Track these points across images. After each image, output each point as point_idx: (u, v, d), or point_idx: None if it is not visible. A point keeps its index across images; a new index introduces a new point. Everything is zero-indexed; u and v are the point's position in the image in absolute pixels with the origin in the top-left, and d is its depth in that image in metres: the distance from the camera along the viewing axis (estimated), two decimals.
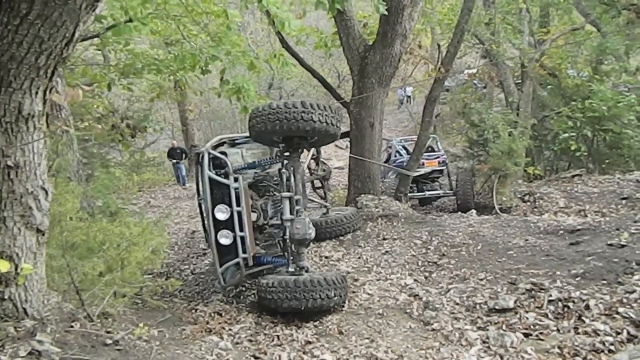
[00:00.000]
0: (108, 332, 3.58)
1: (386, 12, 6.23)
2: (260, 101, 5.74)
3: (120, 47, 6.97)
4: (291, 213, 5.44)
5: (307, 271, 5.36)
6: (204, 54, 5.50)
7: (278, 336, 4.73)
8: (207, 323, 5.23)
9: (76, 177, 5.90)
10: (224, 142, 6.38)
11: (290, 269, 5.39)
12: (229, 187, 5.37)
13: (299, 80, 22.25)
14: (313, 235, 5.41)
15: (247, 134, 6.45)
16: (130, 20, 4.83)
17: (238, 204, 5.34)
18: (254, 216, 5.61)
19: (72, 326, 3.25)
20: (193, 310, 5.71)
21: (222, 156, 5.65)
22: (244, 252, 5.35)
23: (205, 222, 7.36)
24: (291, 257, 5.47)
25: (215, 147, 6.03)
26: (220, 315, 5.49)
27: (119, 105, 12.65)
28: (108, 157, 13.26)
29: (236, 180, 5.38)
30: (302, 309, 4.95)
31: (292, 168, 5.49)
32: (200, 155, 7.13)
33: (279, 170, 5.62)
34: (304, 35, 10.68)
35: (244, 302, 6.07)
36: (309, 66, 10.67)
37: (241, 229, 5.34)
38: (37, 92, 2.66)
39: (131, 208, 10.03)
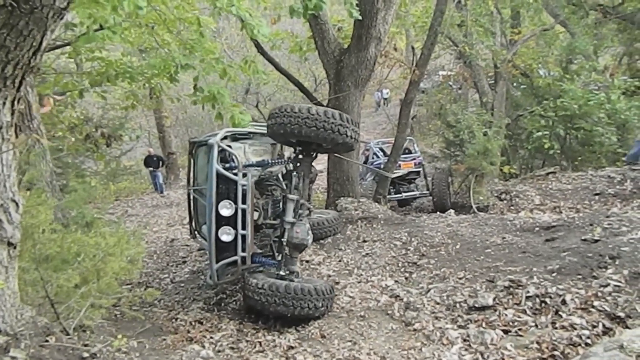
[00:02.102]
0: (85, 345, 3.51)
1: (360, 17, 6.27)
2: (233, 108, 5.66)
3: (93, 56, 6.86)
4: (294, 216, 5.41)
5: (297, 276, 5.33)
6: (175, 61, 5.42)
7: (260, 342, 4.71)
8: (188, 332, 5.17)
9: (50, 187, 5.78)
10: (227, 136, 6.17)
11: (281, 272, 5.34)
12: (236, 184, 5.26)
13: (275, 85, 22.24)
14: (310, 241, 5.40)
15: (249, 129, 6.30)
16: (102, 28, 4.75)
17: (244, 202, 5.23)
18: (255, 215, 5.50)
19: (47, 340, 3.17)
20: (173, 320, 5.64)
21: (233, 152, 5.48)
22: (244, 250, 5.26)
23: (194, 212, 7.22)
24: (283, 260, 5.42)
25: (221, 141, 5.87)
26: (201, 323, 5.44)
27: (93, 113, 12.44)
28: (83, 166, 13.03)
29: (244, 176, 5.28)
30: (289, 315, 4.92)
31: (302, 172, 5.47)
32: (196, 144, 6.99)
33: (290, 171, 5.57)
34: (279, 39, 10.69)
35: (225, 309, 6.02)
36: (285, 71, 10.69)
37: (243, 227, 5.25)
38: (4, 103, 2.59)
39: (108, 218, 9.87)
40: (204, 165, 6.63)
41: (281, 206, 5.96)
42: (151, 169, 17.20)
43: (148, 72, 6.57)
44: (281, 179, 5.84)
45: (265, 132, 6.17)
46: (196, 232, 7.25)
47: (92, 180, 13.18)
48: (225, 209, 5.27)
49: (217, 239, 5.29)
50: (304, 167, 5.49)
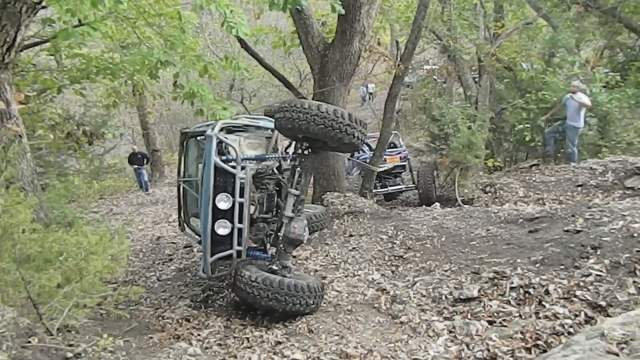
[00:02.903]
0: (70, 345, 3.47)
1: (343, 11, 6.25)
2: (214, 105, 5.59)
3: (73, 52, 6.74)
4: (293, 211, 5.39)
5: (289, 271, 5.32)
6: (155, 57, 5.34)
7: (248, 338, 4.70)
8: (175, 330, 5.15)
9: (31, 187, 5.67)
10: (223, 128, 6.02)
11: (274, 267, 5.33)
12: (234, 177, 5.22)
13: (260, 81, 22.11)
14: (306, 237, 5.39)
15: (245, 122, 6.19)
16: (81, 24, 4.68)
17: (241, 195, 5.20)
18: (251, 209, 5.46)
19: (29, 341, 3.12)
20: (160, 318, 5.61)
21: (232, 144, 5.39)
22: (239, 244, 5.24)
23: (184, 204, 7.07)
24: (277, 255, 5.42)
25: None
26: (188, 320, 5.42)
27: (75, 111, 12.23)
28: (66, 165, 12.83)
29: (243, 169, 5.24)
30: (280, 311, 4.93)
31: (306, 168, 5.44)
32: (188, 135, 6.87)
33: (294, 167, 5.52)
34: (263, 35, 10.62)
35: (213, 306, 6.00)
36: (270, 66, 10.63)
37: (240, 221, 5.22)
38: None
39: (92, 216, 9.76)
40: (197, 156, 6.58)
41: (275, 200, 5.96)
42: (136, 166, 17.04)
43: (129, 69, 6.47)
44: (276, 172, 5.82)
45: (260, 125, 6.10)
46: (185, 225, 7.18)
47: (76, 179, 12.98)
48: (223, 202, 5.22)
49: (213, 232, 5.24)
50: (307, 164, 5.46)
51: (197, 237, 6.90)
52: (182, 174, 7.14)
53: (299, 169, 5.43)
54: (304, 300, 4.91)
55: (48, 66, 8.35)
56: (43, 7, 5.09)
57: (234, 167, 5.25)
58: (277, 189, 6.01)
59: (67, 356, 3.20)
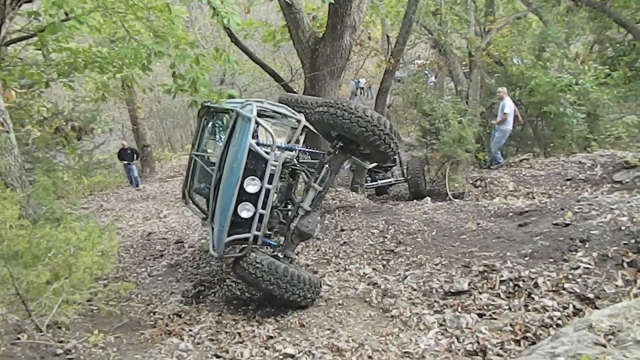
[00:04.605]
0: (60, 342, 3.45)
1: (333, 0, 6.22)
2: (211, 96, 5.52)
3: (60, 46, 6.65)
4: (310, 205, 5.42)
5: (291, 262, 5.37)
6: (147, 49, 5.28)
7: (239, 333, 4.71)
8: (167, 325, 5.14)
9: (19, 182, 5.60)
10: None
11: (278, 254, 5.37)
12: (266, 163, 5.20)
13: (251, 75, 22.02)
14: (316, 233, 5.42)
15: (276, 108, 6.07)
16: (68, 18, 4.61)
17: (270, 182, 5.20)
18: (274, 197, 5.50)
19: (19, 338, 3.10)
20: (151, 314, 5.60)
21: (270, 130, 5.29)
22: (258, 229, 5.25)
23: (191, 177, 7.00)
24: (284, 244, 5.47)
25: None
26: (180, 316, 5.41)
27: (64, 106, 12.08)
28: (55, 161, 12.69)
29: (275, 157, 5.24)
30: (278, 297, 4.98)
31: (333, 166, 5.48)
32: (210, 110, 6.77)
33: (321, 162, 5.57)
34: (252, 29, 10.57)
35: (204, 301, 6.00)
36: (260, 60, 10.59)
37: (264, 207, 5.23)
38: None
39: (82, 212, 9.67)
40: (217, 133, 6.66)
41: (292, 191, 5.99)
42: (126, 162, 16.89)
43: (118, 62, 6.40)
44: (297, 164, 5.85)
45: (286, 113, 5.98)
46: (189, 199, 7.13)
47: (65, 174, 12.84)
48: (252, 186, 5.21)
49: (235, 213, 5.22)
50: (336, 163, 5.52)
51: (198, 210, 6.91)
52: (196, 147, 7.07)
53: (327, 165, 5.46)
54: (303, 293, 4.96)
55: (35, 60, 8.24)
56: (28, 1, 5.02)
57: (267, 152, 5.23)
58: (292, 180, 6.02)
59: (57, 352, 3.19)
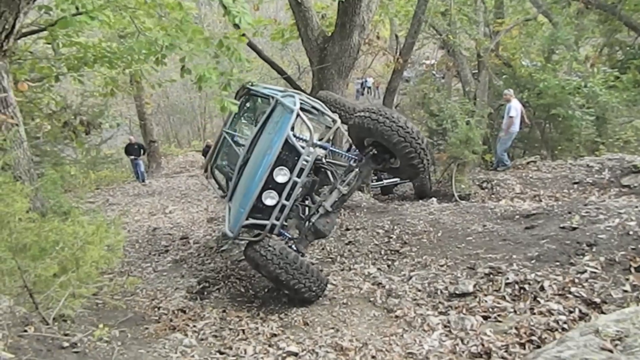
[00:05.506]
0: (66, 335, 3.47)
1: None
2: (223, 92, 5.51)
3: (70, 41, 6.68)
4: (331, 206, 5.44)
5: (302, 256, 5.39)
6: (160, 43, 5.28)
7: (243, 330, 4.72)
8: (171, 320, 5.16)
9: (27, 176, 5.64)
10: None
11: (293, 247, 5.41)
12: (299, 156, 5.21)
13: (259, 73, 22.01)
14: (330, 234, 5.44)
15: (315, 104, 6.02)
16: (80, 13, 4.63)
17: (299, 175, 5.22)
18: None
19: (25, 330, 3.13)
20: (156, 309, 5.62)
21: (310, 125, 5.28)
22: (277, 219, 5.27)
23: (217, 153, 7.13)
24: (298, 238, 5.52)
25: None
26: (184, 312, 5.43)
27: (72, 100, 12.15)
28: (62, 154, 12.77)
29: (309, 153, 5.25)
30: (284, 283, 5.00)
31: (362, 172, 5.49)
32: (250, 92, 6.83)
33: (351, 167, 5.61)
34: (262, 27, 10.56)
35: (208, 298, 6.01)
36: (268, 58, 10.59)
37: (288, 199, 5.26)
38: None
39: (88, 207, 9.72)
40: (252, 116, 6.77)
41: (315, 189, 6.01)
42: (132, 157, 16.96)
43: (128, 57, 6.42)
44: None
45: (324, 111, 5.94)
46: (210, 172, 7.22)
47: (72, 168, 12.92)
48: (281, 176, 5.24)
49: (259, 198, 5.26)
50: (365, 170, 5.52)
51: (216, 186, 7.12)
52: (227, 125, 7.17)
53: (356, 170, 5.48)
54: (309, 284, 4.98)
55: (45, 54, 8.28)
56: None
57: (303, 147, 5.25)
58: (316, 177, 6.04)
59: (63, 345, 3.21)
